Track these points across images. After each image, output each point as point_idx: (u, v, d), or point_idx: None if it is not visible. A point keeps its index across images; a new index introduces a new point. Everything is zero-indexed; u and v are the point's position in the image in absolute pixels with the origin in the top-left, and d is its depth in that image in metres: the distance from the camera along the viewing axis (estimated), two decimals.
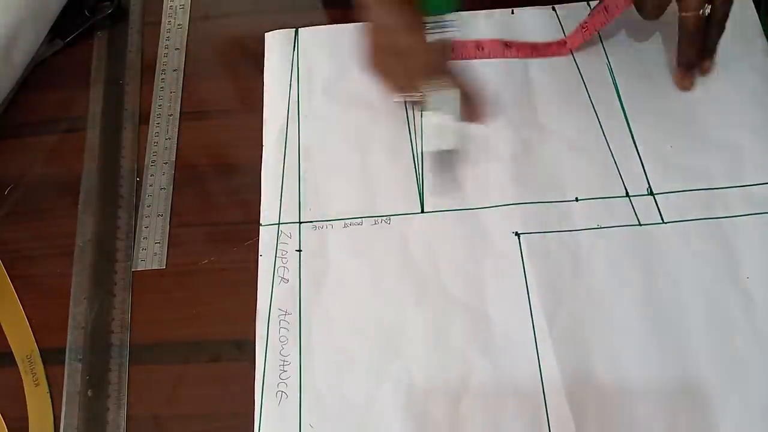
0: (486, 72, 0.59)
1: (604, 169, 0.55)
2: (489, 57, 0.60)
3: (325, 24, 0.64)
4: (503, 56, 0.60)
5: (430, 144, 0.56)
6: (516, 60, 0.60)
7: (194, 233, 0.56)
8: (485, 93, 0.57)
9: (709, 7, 0.52)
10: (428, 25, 0.54)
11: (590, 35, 0.59)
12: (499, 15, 0.63)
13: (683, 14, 0.53)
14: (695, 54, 0.56)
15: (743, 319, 0.48)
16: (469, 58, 0.61)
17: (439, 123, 0.55)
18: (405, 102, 0.58)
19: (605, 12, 0.58)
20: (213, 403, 0.50)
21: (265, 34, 0.64)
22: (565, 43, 0.60)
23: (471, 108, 0.56)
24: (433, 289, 0.51)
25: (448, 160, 0.55)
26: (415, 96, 0.55)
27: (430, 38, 0.54)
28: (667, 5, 0.55)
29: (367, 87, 0.59)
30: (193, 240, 0.56)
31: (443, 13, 0.56)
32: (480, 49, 0.61)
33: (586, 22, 0.59)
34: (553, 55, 0.60)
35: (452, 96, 0.54)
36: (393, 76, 0.56)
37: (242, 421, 0.48)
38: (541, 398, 0.47)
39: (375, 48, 0.55)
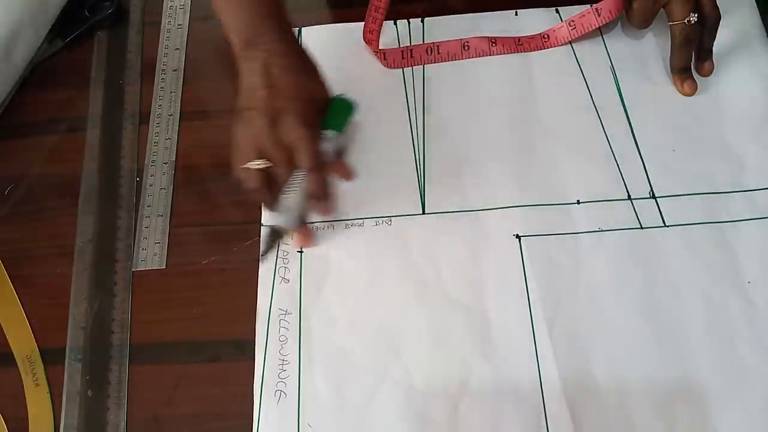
0: (488, 73, 0.60)
1: (606, 172, 0.55)
2: (475, 55, 0.60)
3: (326, 23, 0.64)
4: (489, 53, 0.60)
5: (275, 218, 0.51)
6: (518, 61, 0.60)
7: (194, 233, 0.56)
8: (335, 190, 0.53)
9: (695, 15, 0.54)
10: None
11: (578, 35, 0.60)
12: (503, 17, 0.63)
13: (671, 23, 0.55)
14: (687, 60, 0.57)
15: (744, 323, 0.49)
16: (456, 59, 0.61)
17: (290, 202, 0.50)
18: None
19: (597, 15, 0.58)
20: (213, 403, 0.50)
21: None
22: (548, 37, 0.60)
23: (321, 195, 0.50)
24: (433, 291, 0.51)
25: (278, 236, 0.52)
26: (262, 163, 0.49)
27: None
28: (653, 16, 0.57)
29: (369, 87, 0.59)
30: (193, 240, 0.56)
31: (335, 131, 0.52)
32: (465, 48, 0.61)
33: (573, 21, 0.60)
34: (536, 49, 0.60)
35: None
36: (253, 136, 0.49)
37: (242, 420, 0.48)
38: (540, 400, 0.47)
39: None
